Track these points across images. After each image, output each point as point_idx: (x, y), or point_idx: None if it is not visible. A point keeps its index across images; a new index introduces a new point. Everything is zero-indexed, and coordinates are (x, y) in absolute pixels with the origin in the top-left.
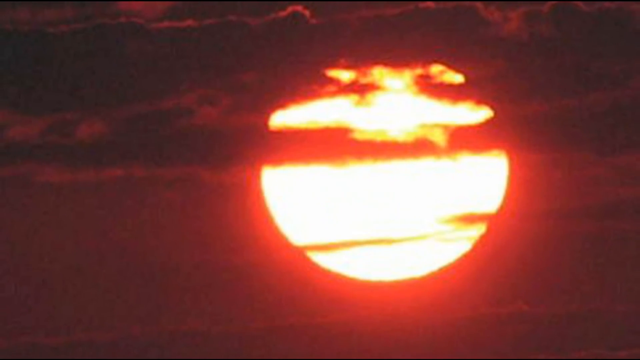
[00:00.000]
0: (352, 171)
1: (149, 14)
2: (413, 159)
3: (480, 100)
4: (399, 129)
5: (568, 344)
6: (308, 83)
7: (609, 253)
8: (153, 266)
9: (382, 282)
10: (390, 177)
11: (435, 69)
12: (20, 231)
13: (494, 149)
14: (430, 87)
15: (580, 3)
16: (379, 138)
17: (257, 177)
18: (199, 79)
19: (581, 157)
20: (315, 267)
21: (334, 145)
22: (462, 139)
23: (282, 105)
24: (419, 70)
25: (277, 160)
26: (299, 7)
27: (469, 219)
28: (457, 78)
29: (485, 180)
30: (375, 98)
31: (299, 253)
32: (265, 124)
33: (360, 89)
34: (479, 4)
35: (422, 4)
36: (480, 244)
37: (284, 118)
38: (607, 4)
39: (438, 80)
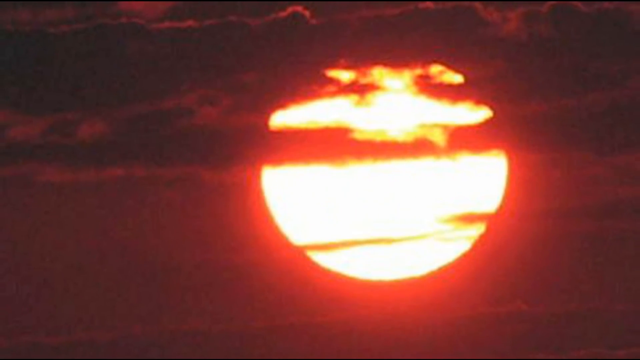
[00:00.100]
0: (352, 171)
1: (149, 15)
2: (413, 159)
3: (479, 100)
4: (399, 129)
5: (567, 343)
6: (308, 83)
7: (607, 252)
8: (154, 265)
9: (382, 281)
10: (390, 176)
11: (435, 69)
12: (22, 231)
13: (493, 149)
14: (429, 87)
15: (579, 3)
16: (378, 138)
17: (258, 176)
18: (199, 79)
19: (580, 157)
20: (315, 267)
21: (334, 145)
22: (462, 139)
23: (282, 105)
24: (418, 71)
25: (277, 160)
26: (299, 8)
27: (469, 219)
28: (457, 78)
29: (485, 180)
30: (375, 98)
31: (299, 252)
32: (266, 124)
33: (360, 89)
34: (478, 5)
35: (421, 5)
36: (480, 244)
37: (284, 118)
38: (605, 4)
39: (437, 80)
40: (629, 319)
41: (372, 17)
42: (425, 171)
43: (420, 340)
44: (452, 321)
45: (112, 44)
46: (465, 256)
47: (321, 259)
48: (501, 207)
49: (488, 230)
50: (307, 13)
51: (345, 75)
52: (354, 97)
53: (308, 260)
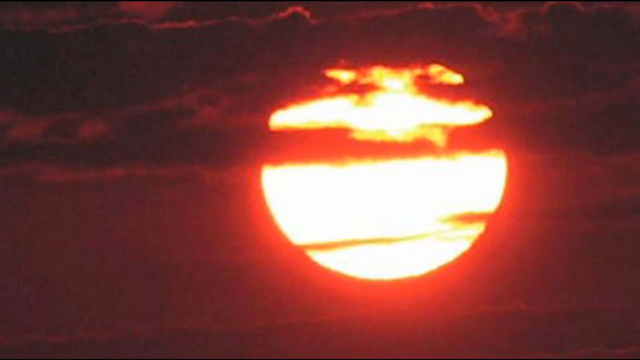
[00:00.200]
0: (352, 171)
1: (150, 15)
2: (412, 159)
3: (478, 101)
4: (398, 128)
5: (566, 342)
6: (308, 83)
7: (606, 252)
8: (154, 265)
9: (382, 280)
10: (389, 176)
11: (434, 69)
12: (23, 230)
13: (493, 149)
14: (429, 88)
15: (577, 4)
16: (378, 138)
17: (258, 176)
18: (199, 79)
19: (579, 157)
20: (315, 266)
21: (333, 145)
22: (461, 139)
23: (282, 105)
24: (418, 71)
25: (278, 160)
26: (299, 8)
27: (468, 218)
28: (456, 78)
29: (484, 179)
30: (374, 98)
31: (299, 252)
32: (266, 124)
33: (359, 89)
34: (477, 5)
35: (421, 5)
36: (479, 243)
37: (284, 118)
38: (604, 5)
39: (437, 80)
40: (628, 318)
41: (372, 18)
42: (424, 171)
43: (420, 340)
44: (452, 320)
45: (113, 44)
46: (464, 256)
47: (321, 258)
48: (500, 207)
49: (487, 229)
50: (307, 13)
51: (345, 76)
52: (353, 97)
53: (308, 260)
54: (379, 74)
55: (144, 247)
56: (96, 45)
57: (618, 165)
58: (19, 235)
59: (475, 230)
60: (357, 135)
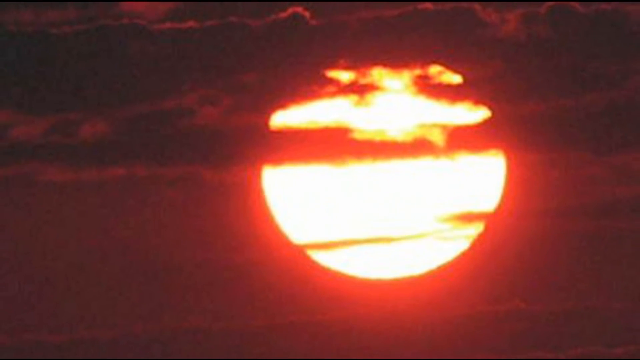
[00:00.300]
0: (352, 170)
1: (151, 15)
2: (412, 159)
3: (478, 101)
4: (398, 128)
5: (565, 342)
6: (308, 83)
7: (605, 251)
8: (155, 264)
9: (381, 280)
10: (389, 176)
11: (434, 69)
12: (24, 230)
13: (492, 149)
14: (428, 88)
15: (576, 4)
16: (378, 138)
17: (258, 176)
18: (200, 80)
19: (578, 157)
20: (315, 265)
21: (333, 145)
22: (461, 139)
23: (282, 105)
24: (417, 71)
25: (278, 160)
26: (299, 9)
27: (467, 218)
28: (455, 78)
29: (483, 179)
30: (374, 98)
31: (299, 251)
32: (266, 124)
33: (359, 90)
34: (476, 6)
35: (420, 5)
36: (478, 243)
37: (284, 118)
38: (603, 5)
39: (436, 80)
40: (627, 317)
41: (372, 18)
42: (424, 171)
43: (420, 339)
44: (451, 319)
45: (114, 44)
46: (464, 255)
47: (321, 257)
48: (500, 207)
49: (487, 229)
50: (307, 14)
51: (345, 76)
52: (353, 98)
53: (308, 259)
54: (378, 74)
55: (145, 247)
56: (97, 45)
57: (617, 165)
58: (20, 234)
59: (475, 229)
60: (357, 135)
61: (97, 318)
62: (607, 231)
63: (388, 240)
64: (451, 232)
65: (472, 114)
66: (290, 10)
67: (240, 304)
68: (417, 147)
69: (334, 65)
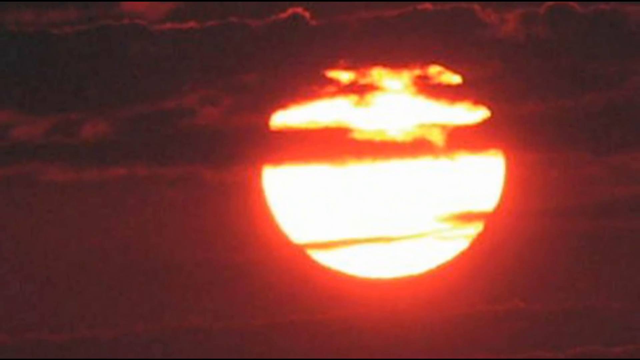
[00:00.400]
0: (352, 170)
1: (151, 16)
2: (411, 158)
3: (477, 101)
4: (398, 128)
5: (564, 341)
6: (308, 84)
7: (604, 251)
8: (155, 264)
9: (381, 279)
10: (389, 176)
11: (433, 69)
12: (25, 229)
13: (491, 149)
14: (428, 88)
15: (575, 5)
16: (378, 138)
17: (258, 176)
18: (200, 80)
19: (577, 157)
20: (315, 265)
21: (333, 144)
22: (460, 139)
23: (282, 105)
24: (417, 71)
25: (278, 160)
26: (299, 9)
27: (467, 218)
28: (455, 79)
29: (483, 179)
30: (374, 98)
31: (299, 251)
32: (266, 124)
33: (359, 90)
34: (476, 6)
35: (420, 6)
36: (478, 242)
37: (284, 118)
38: (602, 5)
39: (436, 80)
40: (625, 316)
41: (372, 19)
42: (424, 170)
43: (419, 338)
44: (451, 319)
45: (115, 44)
46: (463, 254)
47: (321, 257)
48: (499, 206)
49: (486, 229)
50: (307, 14)
51: (344, 76)
52: (353, 98)
53: (308, 259)
54: (378, 75)
55: (146, 246)
56: (98, 45)
57: (616, 165)
58: (21, 234)
59: (474, 229)
60: (357, 135)
61: (98, 317)
62: (606, 231)
63: (388, 239)
64: (451, 232)
65: (472, 114)
66: (290, 11)
67: (240, 304)
68: (417, 147)
69: (334, 66)
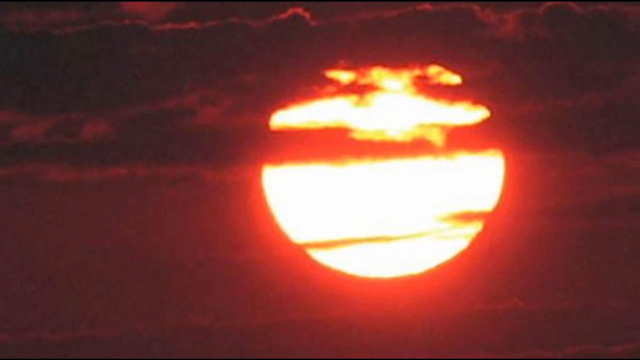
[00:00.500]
0: (352, 170)
1: (152, 16)
2: (411, 158)
3: (476, 101)
4: (398, 128)
5: (563, 340)
6: (308, 84)
7: (603, 250)
8: (156, 263)
9: (381, 278)
10: (388, 175)
11: (433, 70)
12: (26, 229)
13: (491, 149)
14: (427, 88)
15: (574, 5)
16: (377, 138)
17: (258, 175)
18: (201, 80)
19: (576, 157)
20: (315, 264)
21: (333, 144)
22: (459, 139)
23: (282, 105)
24: (417, 71)
25: (278, 160)
26: (299, 10)
27: (466, 217)
28: (454, 79)
29: (482, 179)
30: (374, 98)
31: (299, 250)
32: (266, 124)
33: (359, 90)
34: (475, 6)
35: (420, 6)
36: (477, 242)
37: (284, 118)
38: (601, 6)
39: (435, 81)
40: (624, 315)
41: (371, 19)
42: (423, 170)
43: (419, 337)
44: (450, 318)
45: (115, 45)
46: (462, 254)
47: (321, 256)
48: (498, 206)
49: (485, 228)
50: (307, 15)
51: (344, 76)
52: (353, 98)
53: (308, 258)
54: (378, 75)
55: (146, 246)
56: (99, 46)
57: (614, 164)
58: (22, 234)
59: (474, 229)
60: (357, 135)
61: (98, 317)
62: (605, 230)
63: (387, 239)
64: (450, 231)
65: (471, 114)
66: (290, 11)
67: (240, 303)
68: (416, 146)
69: (333, 66)
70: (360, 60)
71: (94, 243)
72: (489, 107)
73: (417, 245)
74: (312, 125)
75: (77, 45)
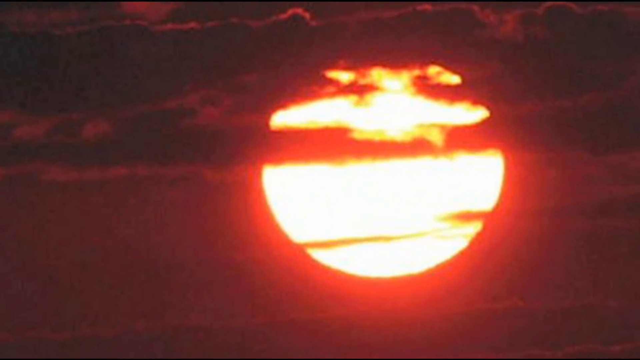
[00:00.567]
0: (352, 170)
1: (152, 17)
2: (411, 158)
3: (476, 101)
4: (397, 128)
5: (562, 339)
6: (308, 84)
7: (602, 250)
8: (157, 263)
9: (381, 278)
10: (388, 175)
11: (433, 70)
12: (27, 229)
13: (490, 148)
14: (427, 88)
15: (573, 5)
16: (377, 138)
17: (259, 175)
18: (201, 80)
19: (575, 156)
20: (315, 264)
21: (333, 144)
22: (459, 139)
23: (282, 105)
24: (416, 72)
25: (278, 159)
26: (299, 10)
27: (466, 217)
28: (454, 79)
29: (481, 178)
30: (373, 98)
31: (300, 250)
32: (267, 124)
33: (359, 90)
34: (475, 7)
35: (419, 7)
36: (477, 241)
37: (284, 118)
38: (600, 6)
39: (435, 81)
40: (624, 315)
41: (371, 19)
42: (423, 170)
43: (418, 336)
44: (450, 317)
45: (116, 45)
46: (462, 254)
47: (321, 256)
48: (497, 206)
49: (485, 228)
50: (307, 15)
51: (344, 76)
52: (353, 98)
53: (308, 258)
54: (378, 75)
55: (147, 246)
56: (99, 46)
57: (614, 164)
58: (23, 233)
59: (473, 228)
60: (357, 135)
61: (99, 316)
62: (604, 230)
63: (387, 239)
64: (450, 231)
65: (471, 114)
66: (290, 12)
67: (241, 302)
68: (416, 146)
69: (333, 66)
70: (360, 60)
71: (94, 243)
72: (488, 107)
73: (417, 245)
74: (312, 125)
75: (78, 46)
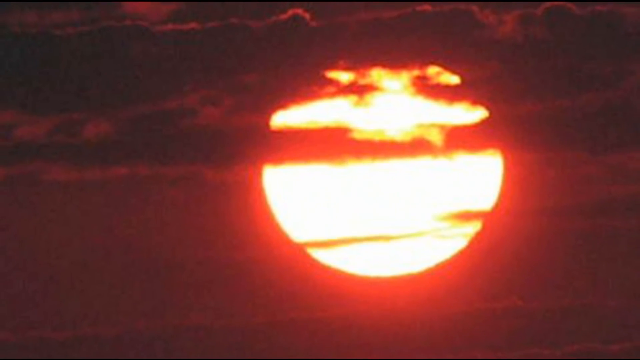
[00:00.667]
0: (351, 170)
1: (153, 17)
2: (410, 158)
3: (475, 101)
4: (397, 128)
5: (561, 338)
6: (308, 84)
7: (601, 249)
8: (157, 262)
9: (381, 277)
10: (388, 175)
11: (432, 70)
12: (28, 228)
13: (489, 148)
14: (427, 88)
15: (572, 6)
16: (377, 138)
17: (259, 175)
18: (202, 80)
19: (574, 156)
20: (315, 263)
21: (333, 144)
22: (458, 139)
23: (283, 105)
24: (416, 72)
25: (278, 159)
26: (299, 10)
27: (465, 217)
28: (453, 79)
29: (481, 178)
30: (373, 99)
31: (300, 249)
32: (267, 124)
33: (359, 90)
34: (474, 7)
35: (419, 7)
36: (476, 241)
37: (284, 118)
38: (599, 6)
39: (435, 81)
40: (622, 314)
41: (371, 20)
42: (422, 170)
43: (418, 336)
44: (449, 317)
45: (117, 45)
46: (461, 253)
47: (321, 255)
48: (497, 205)
49: (484, 227)
50: (307, 15)
51: (344, 76)
52: (353, 98)
53: (308, 257)
54: (377, 75)
55: (147, 245)
56: (100, 46)
57: (613, 164)
58: (24, 233)
59: (472, 228)
60: (357, 135)
61: (100, 315)
62: (603, 230)
63: (387, 238)
64: (449, 231)
65: (470, 114)
66: (290, 12)
67: (241, 302)
68: (416, 146)
69: (333, 66)
70: (360, 60)
71: (95, 242)
72: (487, 107)
73: (417, 245)
74: (312, 125)
75: (79, 46)
